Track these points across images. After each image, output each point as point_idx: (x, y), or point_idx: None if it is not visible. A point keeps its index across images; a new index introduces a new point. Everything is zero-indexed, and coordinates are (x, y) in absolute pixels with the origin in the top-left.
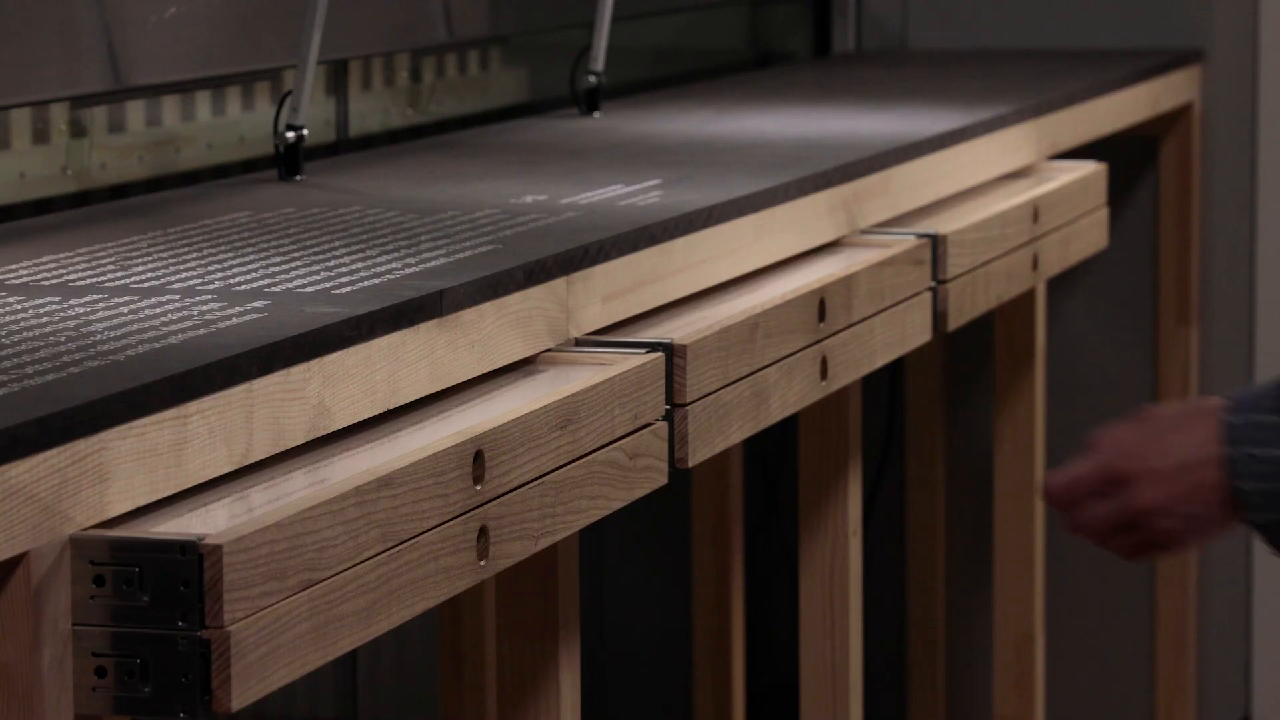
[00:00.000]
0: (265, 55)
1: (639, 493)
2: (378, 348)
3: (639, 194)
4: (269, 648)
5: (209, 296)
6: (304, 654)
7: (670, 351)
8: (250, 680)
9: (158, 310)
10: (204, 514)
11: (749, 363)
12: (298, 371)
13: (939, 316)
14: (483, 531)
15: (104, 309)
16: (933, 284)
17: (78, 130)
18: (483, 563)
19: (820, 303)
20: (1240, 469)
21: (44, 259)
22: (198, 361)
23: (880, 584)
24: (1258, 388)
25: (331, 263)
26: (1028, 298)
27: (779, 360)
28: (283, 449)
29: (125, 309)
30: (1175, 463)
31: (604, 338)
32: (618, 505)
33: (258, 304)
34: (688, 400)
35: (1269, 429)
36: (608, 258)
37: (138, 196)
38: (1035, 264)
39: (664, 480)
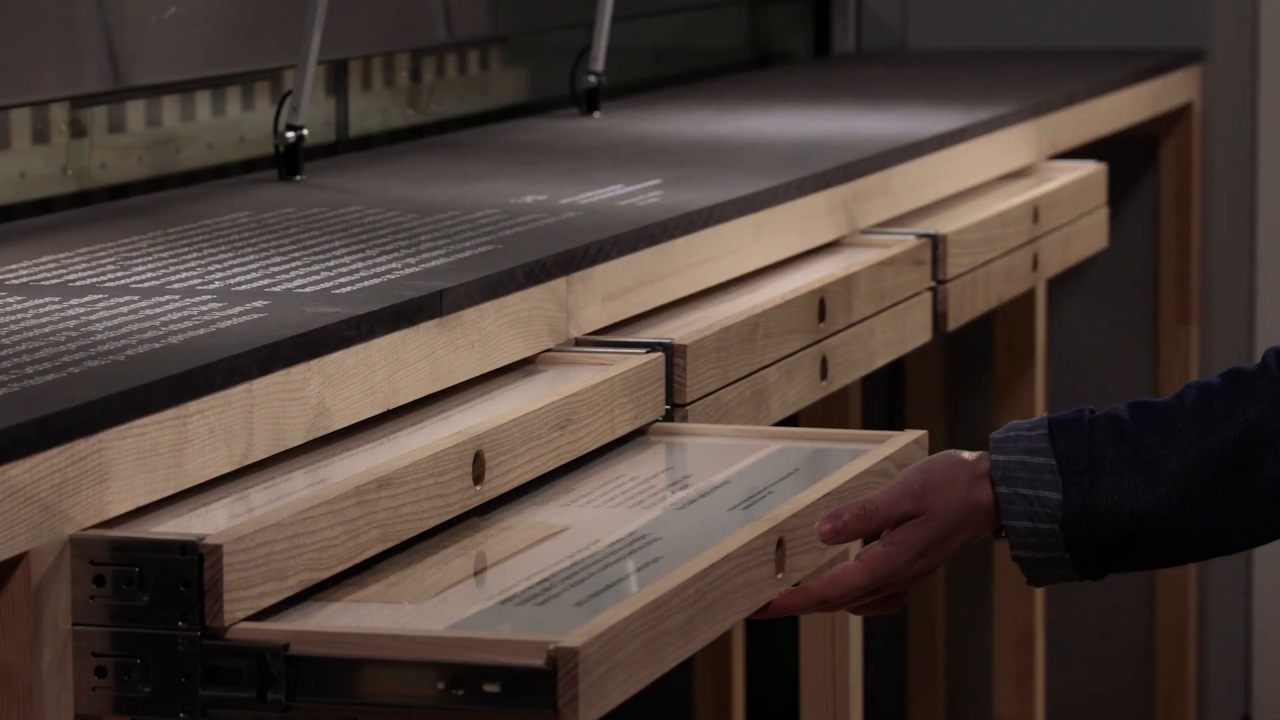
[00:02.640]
0: (265, 55)
1: None
2: (378, 348)
3: (639, 194)
4: (609, 665)
5: (209, 296)
6: (636, 670)
7: (670, 351)
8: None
9: (158, 310)
10: (204, 514)
11: (749, 363)
12: (297, 371)
13: (939, 316)
14: (780, 543)
15: (104, 309)
16: (933, 284)
17: (78, 130)
18: (780, 575)
19: (820, 303)
20: (1009, 508)
21: (44, 259)
22: (198, 361)
23: None
24: (1022, 425)
25: (331, 263)
26: (1028, 298)
27: (779, 360)
28: (283, 449)
29: (125, 309)
30: (952, 538)
31: (604, 338)
32: None
33: (258, 304)
34: (688, 400)
35: (1033, 469)
36: (608, 258)
37: (138, 196)
38: (1035, 264)
39: None
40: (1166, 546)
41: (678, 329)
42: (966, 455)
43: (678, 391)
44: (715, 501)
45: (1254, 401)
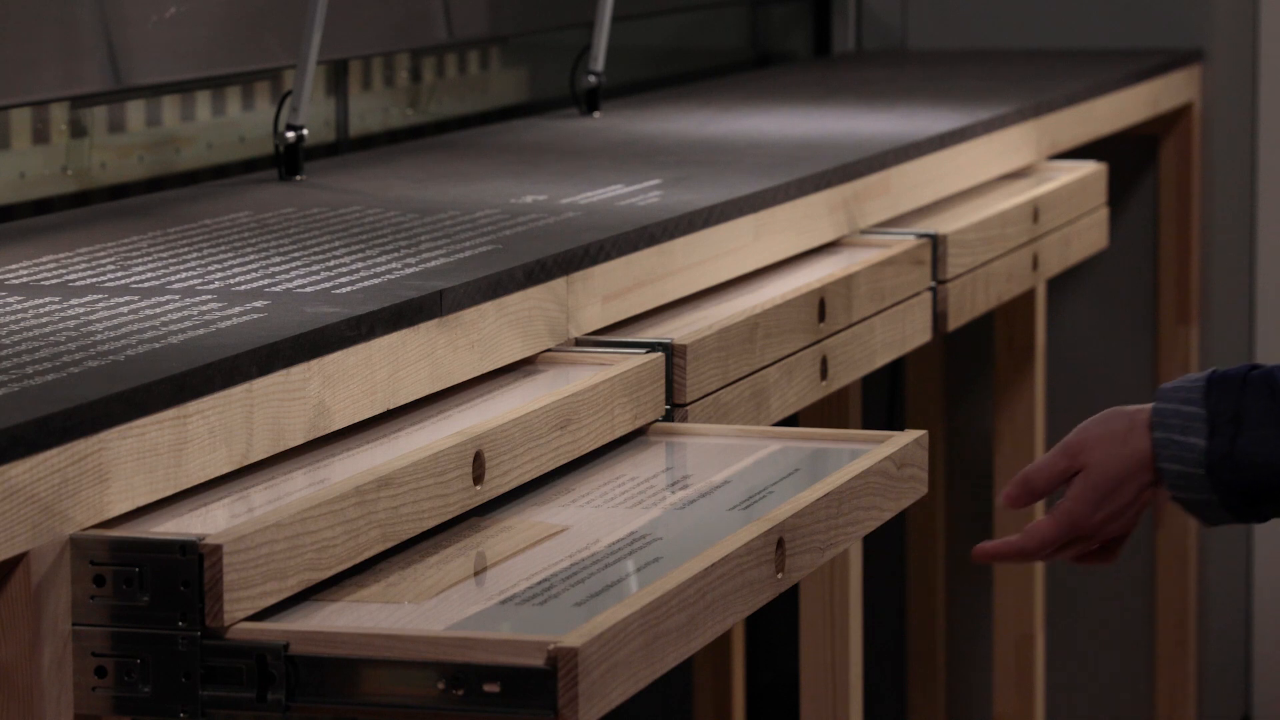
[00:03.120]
0: (265, 55)
1: (906, 502)
2: (378, 348)
3: (639, 194)
4: (609, 665)
5: (209, 296)
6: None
7: (670, 351)
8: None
9: (158, 310)
10: (204, 514)
11: (749, 363)
12: (297, 371)
13: (939, 316)
14: (780, 543)
15: (104, 309)
16: (933, 284)
17: (78, 130)
18: (780, 575)
19: (820, 303)
20: (1163, 452)
21: (44, 259)
22: (198, 361)
23: (880, 584)
24: (1189, 377)
25: (331, 263)
26: (1028, 298)
27: (779, 360)
28: (283, 449)
29: (125, 309)
30: (1126, 488)
31: (604, 338)
32: (888, 516)
33: (258, 304)
34: (688, 400)
35: (1185, 416)
36: (608, 258)
37: (138, 196)
38: (1035, 264)
39: (925, 490)
40: None
41: (678, 329)
42: (1129, 408)
43: (678, 391)
44: (715, 501)
45: None
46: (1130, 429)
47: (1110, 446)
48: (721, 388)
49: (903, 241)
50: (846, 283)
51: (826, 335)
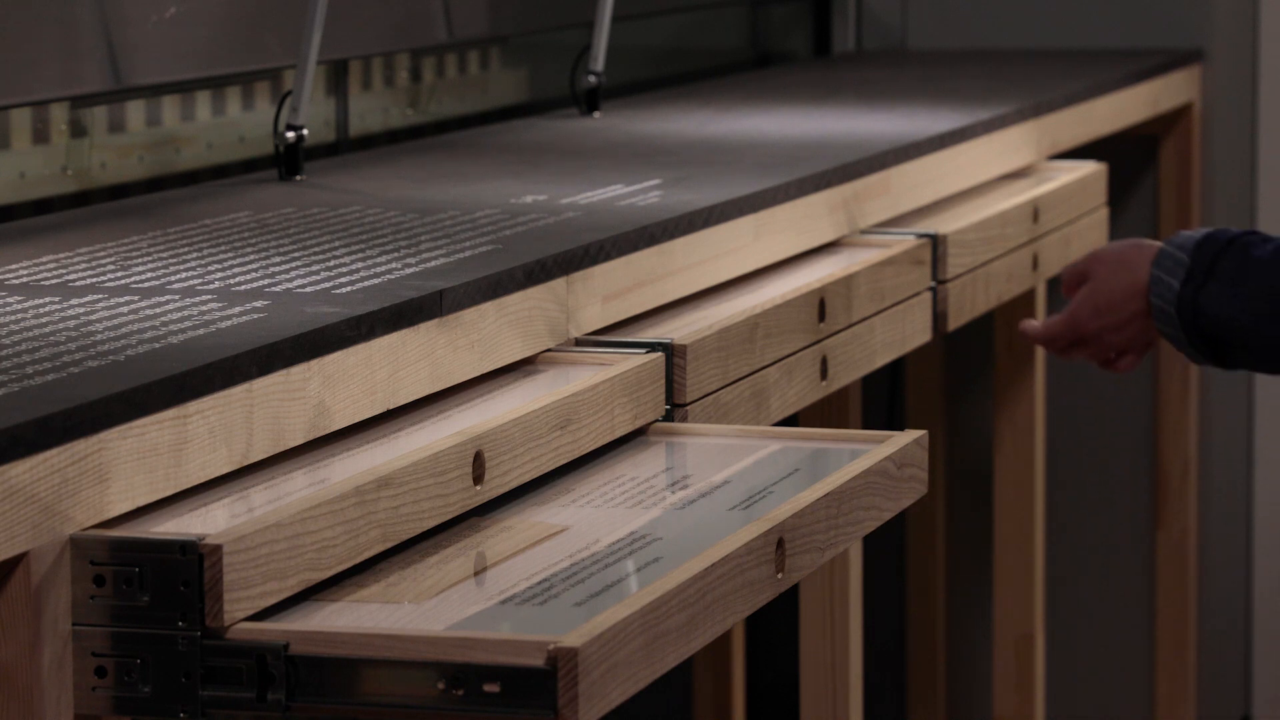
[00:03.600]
0: (265, 55)
1: (906, 502)
2: (378, 348)
3: (639, 194)
4: (609, 665)
5: (209, 296)
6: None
7: (670, 351)
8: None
9: (158, 310)
10: (204, 514)
11: (749, 363)
12: (297, 371)
13: (939, 316)
14: (780, 543)
15: (104, 309)
16: (933, 284)
17: (78, 130)
18: (780, 575)
19: (820, 302)
20: (1153, 287)
21: (44, 259)
22: (198, 361)
23: (880, 584)
24: (1191, 231)
25: (331, 263)
26: (1028, 298)
27: (779, 360)
28: (283, 449)
29: (125, 309)
30: (1122, 307)
31: (604, 338)
32: (888, 516)
33: (258, 304)
34: (688, 400)
35: (1175, 260)
36: (608, 258)
37: (138, 196)
38: (1035, 264)
39: (925, 490)
40: (1252, 352)
41: (678, 329)
42: (1147, 241)
43: (678, 391)
44: (715, 501)
45: None
46: (1137, 258)
47: (1116, 268)
48: (722, 388)
49: (903, 241)
50: (846, 283)
51: (826, 335)
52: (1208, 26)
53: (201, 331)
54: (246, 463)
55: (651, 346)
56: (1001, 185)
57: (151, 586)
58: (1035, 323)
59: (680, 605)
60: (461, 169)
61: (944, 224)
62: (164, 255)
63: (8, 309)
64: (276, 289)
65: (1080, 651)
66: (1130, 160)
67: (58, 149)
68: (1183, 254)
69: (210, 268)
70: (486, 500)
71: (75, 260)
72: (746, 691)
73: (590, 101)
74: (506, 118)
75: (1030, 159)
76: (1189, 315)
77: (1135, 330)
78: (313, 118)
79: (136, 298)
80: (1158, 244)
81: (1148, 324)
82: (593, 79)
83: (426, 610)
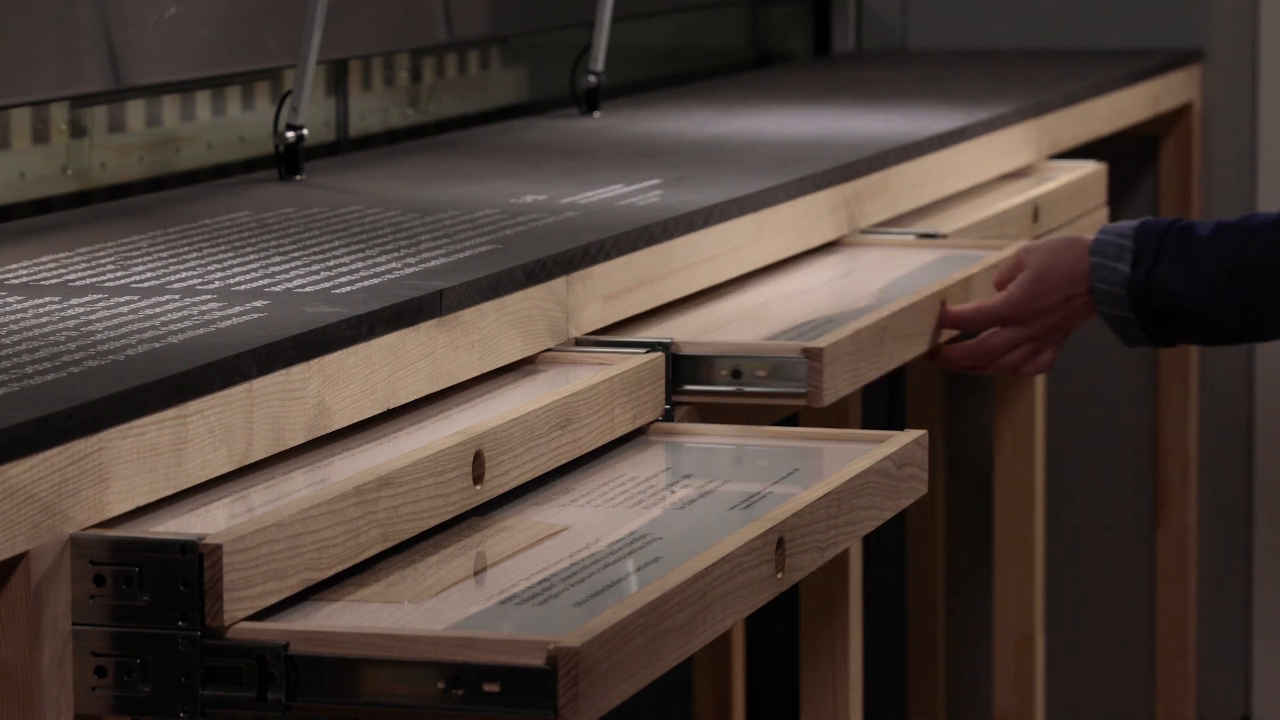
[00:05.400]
0: (265, 55)
1: (905, 502)
2: (378, 347)
3: (639, 194)
4: (609, 665)
5: (209, 296)
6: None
7: (669, 350)
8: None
9: (157, 310)
10: (204, 514)
11: (878, 365)
12: (297, 371)
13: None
14: (780, 543)
15: (104, 309)
16: None
17: (78, 130)
18: (780, 575)
19: (941, 305)
20: (1095, 273)
21: (44, 259)
22: (197, 361)
23: (880, 584)
24: (1120, 223)
25: (331, 263)
26: None
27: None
28: (283, 449)
29: (125, 309)
30: (1059, 290)
31: (604, 337)
32: (888, 516)
33: (257, 304)
34: (824, 403)
35: (1117, 247)
36: (608, 257)
37: (137, 196)
38: None
39: (925, 490)
40: (1206, 325)
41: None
42: (1073, 235)
43: (814, 395)
44: (715, 501)
45: None
46: (1069, 246)
47: (1050, 254)
48: (853, 391)
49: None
50: (965, 285)
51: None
52: (1208, 26)
53: (201, 331)
54: (246, 462)
55: (651, 346)
56: (1001, 185)
57: (151, 586)
58: (963, 305)
59: (680, 605)
60: (461, 169)
61: (944, 224)
62: (164, 255)
63: (7, 309)
64: (276, 289)
65: (1080, 651)
66: (1130, 160)
67: (58, 149)
68: (1124, 240)
69: (210, 267)
70: (486, 500)
71: (75, 260)
72: (746, 691)
73: (590, 101)
74: (506, 118)
75: (1030, 159)
76: (1141, 294)
77: (1066, 315)
78: (313, 117)
79: (136, 297)
80: (1085, 236)
81: (1079, 311)
82: (593, 79)
83: (426, 610)
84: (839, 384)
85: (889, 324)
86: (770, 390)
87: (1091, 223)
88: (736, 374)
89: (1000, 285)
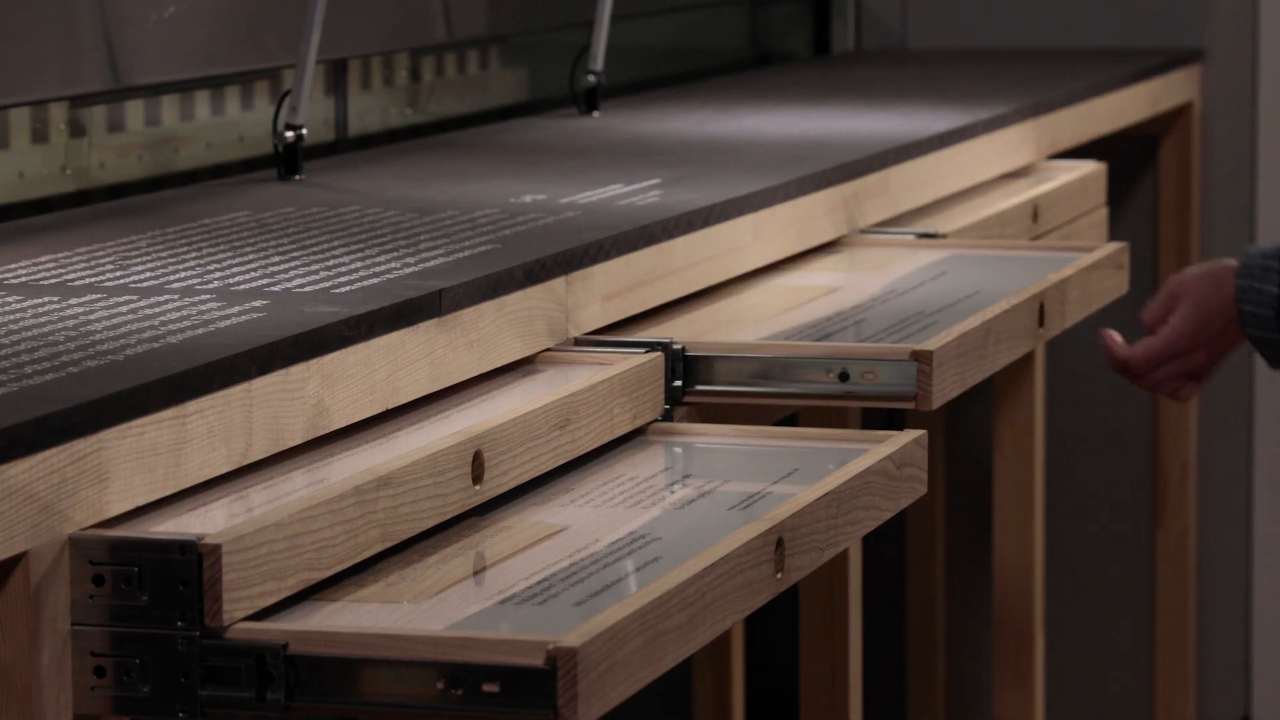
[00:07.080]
0: (265, 55)
1: (905, 502)
2: (377, 347)
3: (638, 194)
4: (608, 665)
5: (208, 296)
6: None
7: (675, 351)
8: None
9: (156, 310)
10: (203, 514)
11: (983, 368)
12: (297, 371)
13: None
14: (780, 543)
15: (103, 309)
16: None
17: (77, 130)
18: (779, 575)
19: (1040, 307)
20: (1244, 295)
21: (43, 259)
22: (197, 361)
23: (880, 583)
24: (1268, 244)
25: (331, 262)
26: None
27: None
28: (282, 449)
29: (124, 309)
30: (1217, 321)
31: (603, 337)
32: (888, 516)
33: (257, 304)
34: (933, 406)
35: (1264, 268)
36: (607, 257)
37: (136, 196)
38: None
39: (925, 490)
40: None
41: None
42: (1221, 260)
43: (922, 398)
44: (715, 501)
45: None
46: (1217, 273)
47: (1206, 286)
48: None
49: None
50: (1061, 287)
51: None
52: (1208, 26)
53: (200, 331)
54: (245, 462)
55: (651, 346)
56: (1001, 185)
57: (150, 586)
58: (1125, 346)
59: (680, 605)
60: (461, 169)
61: (944, 224)
62: (163, 255)
63: (7, 309)
64: (275, 289)
65: (1080, 651)
66: (1130, 160)
67: (57, 149)
68: (1271, 260)
69: (209, 267)
70: (486, 500)
71: (74, 260)
72: (746, 691)
73: (590, 101)
74: (506, 117)
75: (1030, 158)
76: None
77: (1224, 344)
78: (312, 117)
79: (135, 297)
80: (1233, 261)
81: (1232, 339)
82: (592, 79)
83: (426, 610)
84: (947, 387)
85: (992, 326)
86: (878, 391)
87: (1091, 223)
88: (844, 376)
89: (1153, 321)
